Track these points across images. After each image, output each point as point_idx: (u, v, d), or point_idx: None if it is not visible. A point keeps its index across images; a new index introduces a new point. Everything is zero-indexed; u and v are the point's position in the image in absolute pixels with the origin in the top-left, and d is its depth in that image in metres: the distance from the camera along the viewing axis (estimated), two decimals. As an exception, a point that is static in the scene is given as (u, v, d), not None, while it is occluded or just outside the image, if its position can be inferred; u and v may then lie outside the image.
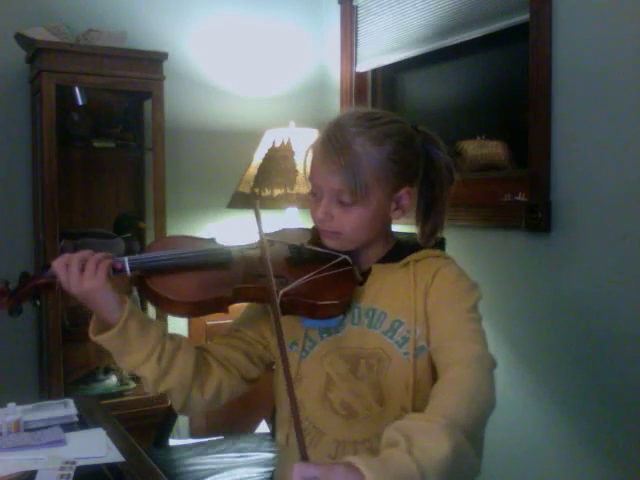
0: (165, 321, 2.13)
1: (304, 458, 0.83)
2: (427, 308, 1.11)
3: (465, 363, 1.00)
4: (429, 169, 1.17)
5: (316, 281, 1.10)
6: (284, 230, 1.30)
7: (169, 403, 2.24)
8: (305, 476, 0.77)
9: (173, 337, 1.11)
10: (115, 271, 1.05)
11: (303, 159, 1.19)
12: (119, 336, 1.04)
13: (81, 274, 1.02)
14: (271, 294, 1.00)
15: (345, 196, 1.09)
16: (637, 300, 1.71)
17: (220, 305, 1.08)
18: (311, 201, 1.16)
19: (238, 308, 1.26)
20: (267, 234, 1.23)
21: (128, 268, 1.06)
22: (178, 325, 2.40)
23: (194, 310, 1.08)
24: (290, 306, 1.08)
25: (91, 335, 1.07)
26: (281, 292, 1.06)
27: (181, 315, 1.08)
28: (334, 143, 1.08)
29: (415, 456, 0.80)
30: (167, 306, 1.06)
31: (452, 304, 1.09)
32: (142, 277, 1.07)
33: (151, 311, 2.35)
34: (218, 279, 1.10)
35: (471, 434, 0.89)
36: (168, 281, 1.07)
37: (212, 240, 1.21)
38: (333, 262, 1.14)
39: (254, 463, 1.88)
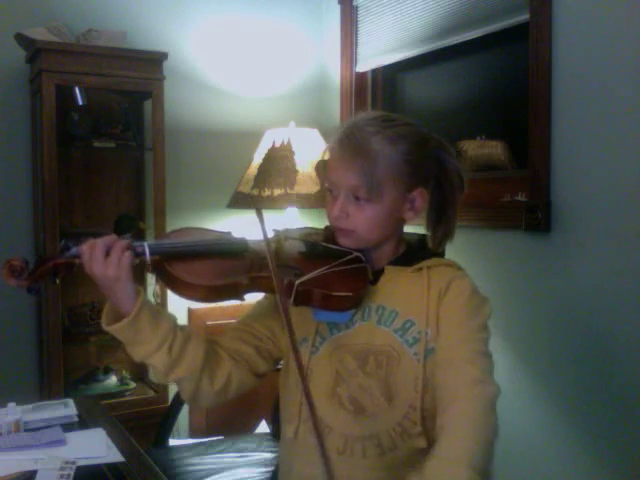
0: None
1: (326, 459, 0.85)
2: (439, 315, 1.13)
3: (468, 397, 1.03)
4: (441, 175, 1.20)
5: (330, 274, 1.13)
6: (297, 228, 1.32)
7: (169, 403, 2.26)
8: None
9: (184, 328, 1.13)
10: (135, 254, 1.06)
11: (320, 158, 1.21)
12: (131, 326, 1.05)
13: (105, 259, 1.03)
14: (278, 283, 1.04)
15: (361, 192, 1.12)
16: (637, 300, 1.71)
17: (236, 291, 1.10)
18: (328, 199, 1.19)
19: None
20: (281, 230, 1.26)
21: (148, 252, 1.07)
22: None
23: (211, 295, 1.10)
24: (305, 296, 1.10)
25: (104, 325, 1.08)
26: (297, 282, 1.09)
27: (198, 299, 1.10)
28: (352, 141, 1.12)
29: None
30: (184, 289, 1.08)
31: (463, 320, 1.11)
32: (161, 261, 1.09)
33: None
34: (235, 267, 1.13)
35: (483, 472, 0.96)
36: (186, 265, 1.09)
37: (228, 234, 1.24)
38: (346, 258, 1.16)
39: (254, 463, 1.88)
